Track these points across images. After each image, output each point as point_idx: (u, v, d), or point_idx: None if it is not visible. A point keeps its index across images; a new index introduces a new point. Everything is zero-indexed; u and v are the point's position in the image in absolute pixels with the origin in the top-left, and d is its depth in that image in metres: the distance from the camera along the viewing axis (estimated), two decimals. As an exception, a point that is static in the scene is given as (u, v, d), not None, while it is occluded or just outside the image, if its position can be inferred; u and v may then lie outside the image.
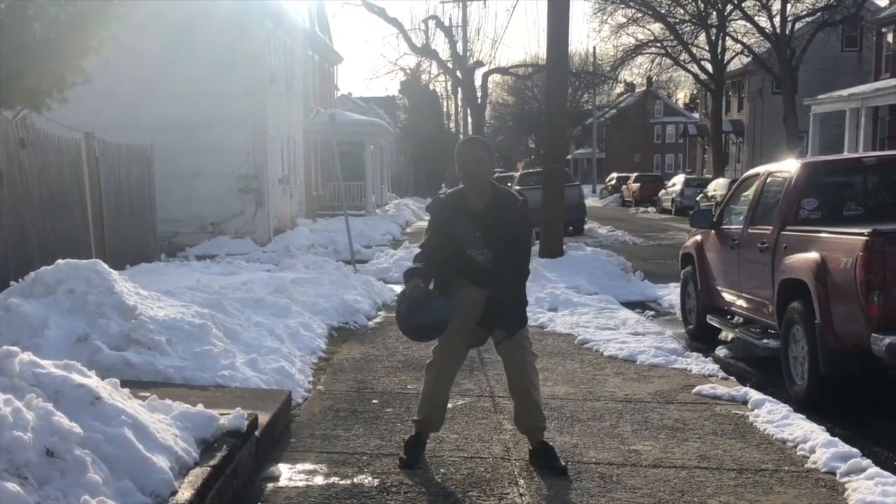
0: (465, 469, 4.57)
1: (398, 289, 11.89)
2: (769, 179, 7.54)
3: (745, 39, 35.21)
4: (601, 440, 5.07)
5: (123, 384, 4.08)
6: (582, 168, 73.08)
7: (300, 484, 4.37)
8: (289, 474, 4.50)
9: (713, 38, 35.19)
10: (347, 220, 14.09)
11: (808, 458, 4.70)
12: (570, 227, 21.03)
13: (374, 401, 5.98)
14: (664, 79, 50.29)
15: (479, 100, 31.04)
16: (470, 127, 35.70)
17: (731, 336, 8.42)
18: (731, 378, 6.66)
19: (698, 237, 8.79)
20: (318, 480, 4.40)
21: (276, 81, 21.22)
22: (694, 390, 6.18)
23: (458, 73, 30.51)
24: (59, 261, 6.45)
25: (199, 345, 6.01)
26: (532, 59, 45.98)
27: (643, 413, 5.64)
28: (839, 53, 37.54)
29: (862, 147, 25.73)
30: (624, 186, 44.76)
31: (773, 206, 7.12)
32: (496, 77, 43.05)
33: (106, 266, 6.53)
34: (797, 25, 32.17)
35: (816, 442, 4.79)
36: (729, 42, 35.95)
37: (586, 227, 23.67)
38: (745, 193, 8.07)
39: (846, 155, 17.91)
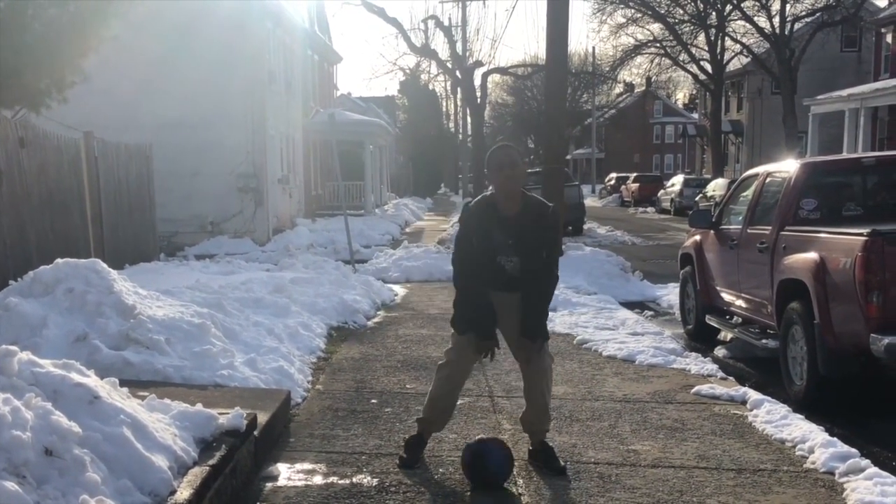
0: (465, 469, 4.56)
1: (397, 288, 11.91)
2: (768, 180, 7.54)
3: (744, 40, 35.18)
4: (600, 440, 5.07)
5: (122, 383, 4.08)
6: (581, 168, 73.14)
7: (299, 483, 4.37)
8: (288, 474, 4.51)
9: (712, 38, 35.16)
10: (347, 219, 14.09)
11: (807, 458, 4.70)
12: (570, 227, 21.08)
13: (373, 400, 5.98)
14: (663, 79, 50.24)
15: (479, 100, 31.00)
16: (469, 127, 35.71)
17: (730, 336, 8.43)
18: (730, 378, 6.66)
19: (697, 237, 8.79)
20: (317, 480, 4.40)
21: (275, 81, 21.21)
22: (693, 390, 6.19)
23: (458, 73, 30.46)
24: (58, 260, 6.45)
25: (198, 344, 6.01)
26: (531, 58, 45.95)
27: (642, 413, 5.65)
28: (838, 54, 37.53)
29: (861, 147, 25.74)
30: (623, 186, 44.79)
31: (773, 206, 7.12)
32: (495, 77, 43.00)
33: (105, 265, 6.54)
34: (796, 26, 32.15)
35: (815, 442, 4.79)
36: (728, 42, 35.92)
37: (585, 227, 23.67)
38: (745, 194, 8.07)
39: (845, 155, 17.91)
